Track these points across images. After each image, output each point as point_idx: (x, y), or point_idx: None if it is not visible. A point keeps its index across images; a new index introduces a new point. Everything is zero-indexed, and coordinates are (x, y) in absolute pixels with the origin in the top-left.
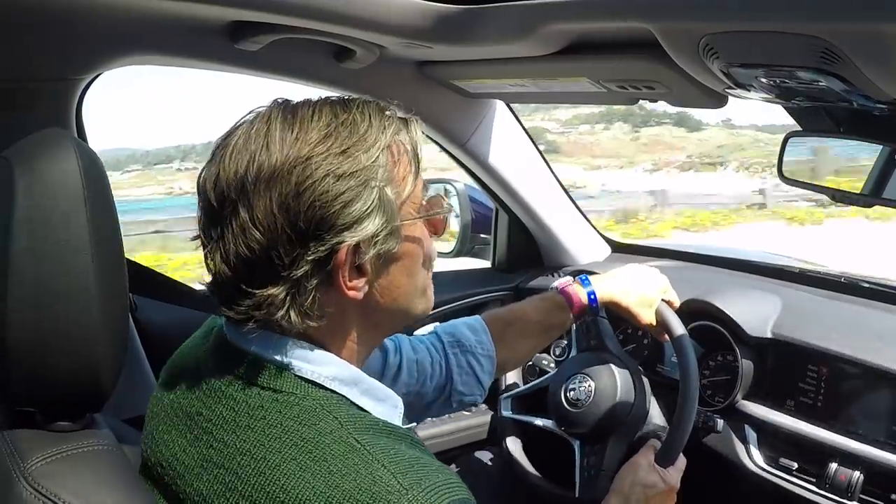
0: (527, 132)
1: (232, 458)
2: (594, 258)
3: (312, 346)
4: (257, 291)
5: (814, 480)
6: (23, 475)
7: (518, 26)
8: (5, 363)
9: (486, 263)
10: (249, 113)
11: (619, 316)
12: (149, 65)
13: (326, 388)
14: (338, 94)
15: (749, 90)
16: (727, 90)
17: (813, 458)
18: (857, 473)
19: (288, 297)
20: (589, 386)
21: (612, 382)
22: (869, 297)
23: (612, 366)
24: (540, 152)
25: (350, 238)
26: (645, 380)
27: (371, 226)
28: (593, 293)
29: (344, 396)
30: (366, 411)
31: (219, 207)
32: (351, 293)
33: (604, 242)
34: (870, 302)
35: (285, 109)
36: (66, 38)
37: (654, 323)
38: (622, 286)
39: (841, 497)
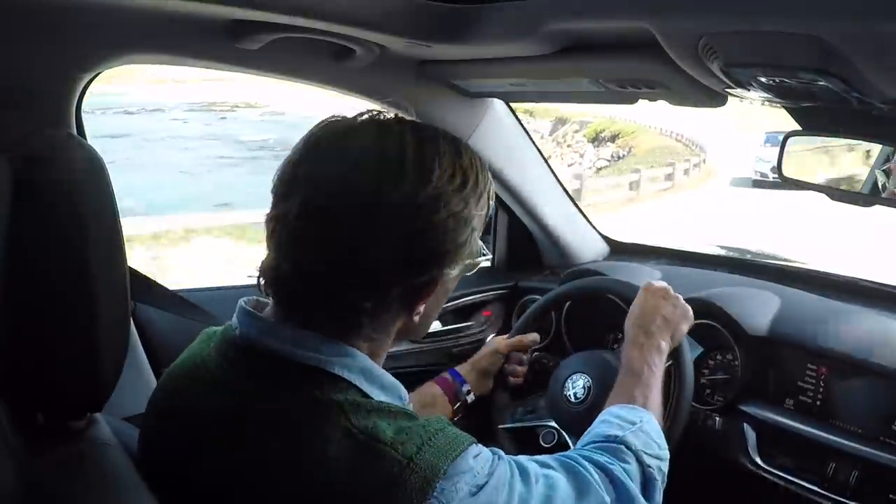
0: (526, 131)
1: (236, 450)
2: (593, 257)
3: (326, 339)
4: (347, 300)
5: (812, 479)
6: (23, 476)
7: (518, 26)
8: (5, 363)
9: (486, 262)
10: (363, 115)
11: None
12: (149, 63)
13: (332, 375)
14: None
15: (748, 90)
16: (726, 90)
17: (812, 457)
18: (855, 472)
19: (371, 311)
20: (587, 383)
21: (610, 379)
22: (869, 297)
23: (610, 363)
24: (539, 151)
25: (448, 273)
26: None
27: (460, 265)
28: (454, 370)
29: (350, 382)
30: (370, 398)
31: (333, 209)
32: (415, 318)
33: (603, 242)
34: (869, 302)
35: (414, 134)
36: (66, 37)
37: (487, 390)
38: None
39: (839, 496)
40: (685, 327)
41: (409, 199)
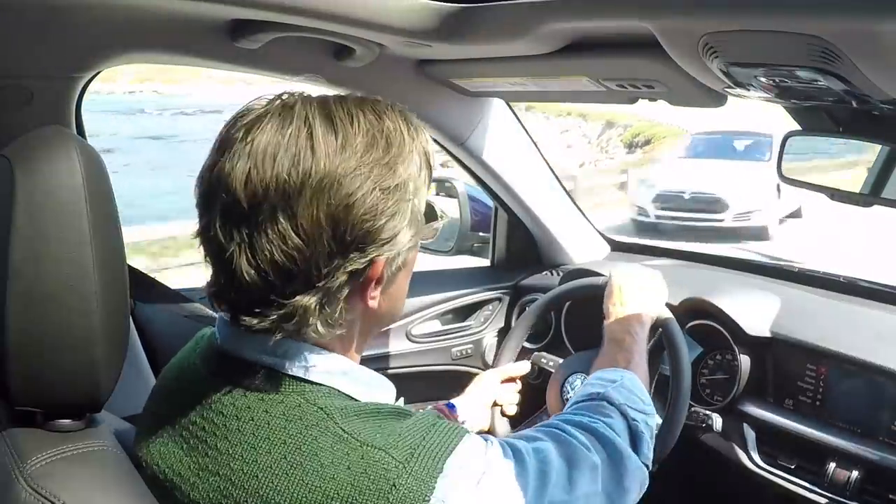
0: (526, 131)
1: (225, 464)
2: (593, 257)
3: (304, 344)
4: (288, 301)
5: (812, 479)
6: (22, 475)
7: (518, 25)
8: (5, 363)
9: (486, 262)
10: (273, 102)
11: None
12: (148, 62)
13: (314, 382)
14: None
15: (748, 89)
16: (726, 89)
17: (811, 457)
18: (855, 472)
19: (317, 308)
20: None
21: None
22: (868, 297)
23: None
24: (539, 151)
25: (389, 251)
26: None
27: (404, 238)
28: (450, 403)
29: (332, 387)
30: (356, 399)
31: (251, 209)
32: (371, 303)
33: (603, 241)
34: (869, 302)
35: (321, 109)
36: (66, 36)
37: (484, 423)
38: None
39: (839, 496)
40: (662, 296)
41: (326, 179)
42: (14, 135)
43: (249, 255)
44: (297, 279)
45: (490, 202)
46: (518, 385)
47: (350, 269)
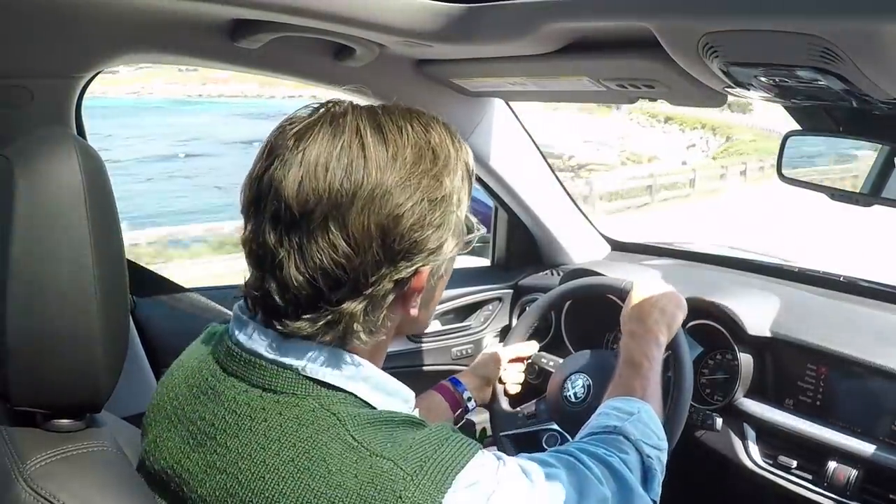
0: (526, 131)
1: (233, 462)
2: (593, 257)
3: (333, 349)
4: (334, 308)
5: (812, 479)
6: (21, 476)
7: (518, 25)
8: (5, 363)
9: (486, 262)
10: (319, 110)
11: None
12: (148, 62)
13: (332, 386)
14: (403, 104)
15: (748, 89)
16: (726, 89)
17: (812, 456)
18: (855, 472)
19: (362, 315)
20: (586, 382)
21: (610, 378)
22: (868, 297)
23: (610, 362)
24: (539, 151)
25: (433, 261)
26: None
27: (448, 249)
28: (455, 378)
29: (351, 393)
30: (373, 407)
31: (302, 217)
32: (412, 311)
33: (603, 241)
34: (869, 301)
35: (371, 120)
36: (66, 36)
37: (487, 397)
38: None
39: (839, 495)
40: (681, 317)
41: (377, 190)
42: (14, 135)
43: (299, 261)
44: (346, 286)
45: (490, 202)
46: (523, 366)
47: (396, 277)
